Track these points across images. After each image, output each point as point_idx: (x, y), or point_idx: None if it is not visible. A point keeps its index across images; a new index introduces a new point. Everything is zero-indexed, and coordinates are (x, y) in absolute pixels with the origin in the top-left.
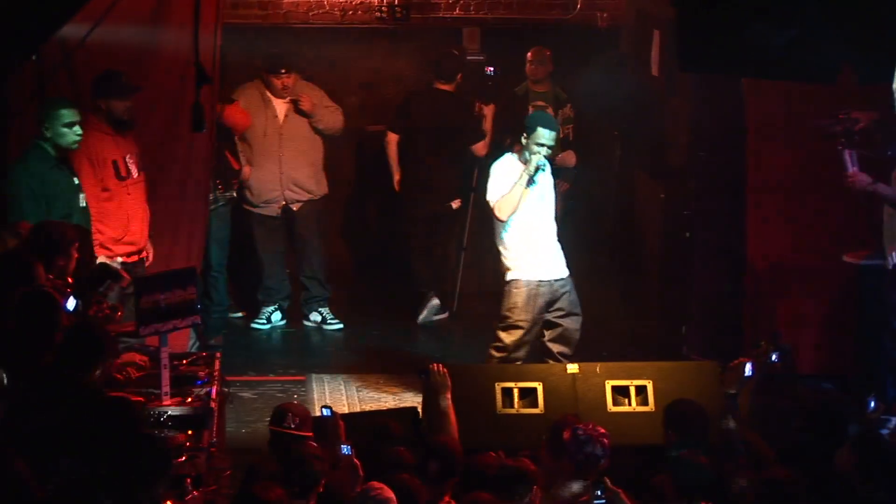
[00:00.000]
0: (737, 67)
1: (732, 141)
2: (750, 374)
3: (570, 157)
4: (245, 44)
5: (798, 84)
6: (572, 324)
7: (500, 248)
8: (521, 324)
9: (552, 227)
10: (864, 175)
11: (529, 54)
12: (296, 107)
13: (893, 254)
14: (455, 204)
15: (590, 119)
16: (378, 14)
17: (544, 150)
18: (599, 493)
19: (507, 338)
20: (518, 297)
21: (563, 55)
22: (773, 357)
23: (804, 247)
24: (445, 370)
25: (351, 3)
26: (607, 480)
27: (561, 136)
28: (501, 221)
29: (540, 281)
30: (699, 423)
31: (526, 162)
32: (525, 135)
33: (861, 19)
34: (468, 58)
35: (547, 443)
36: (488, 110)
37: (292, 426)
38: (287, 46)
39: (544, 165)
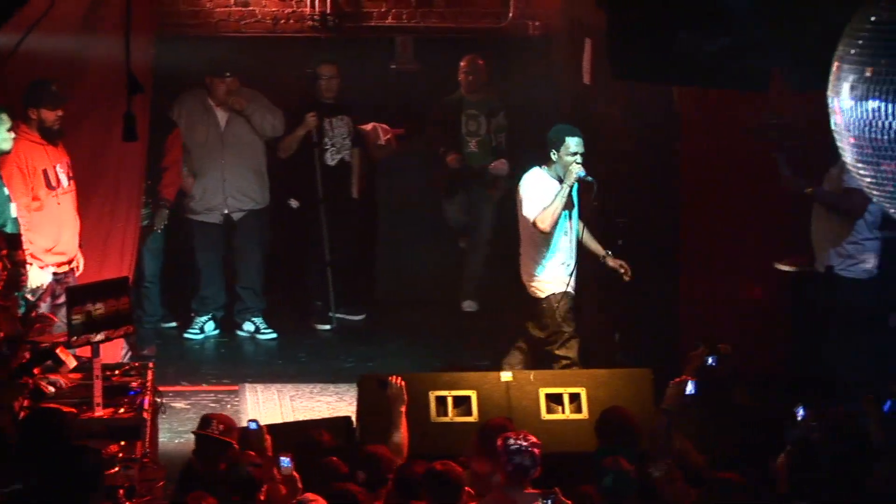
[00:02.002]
0: (668, 75)
1: (664, 148)
2: (692, 391)
3: (503, 166)
4: (177, 53)
5: (730, 92)
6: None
7: (534, 262)
8: (575, 334)
9: (575, 242)
10: (800, 178)
11: (463, 63)
12: (235, 110)
13: (827, 257)
14: (292, 202)
15: (523, 127)
16: (311, 23)
17: (579, 158)
18: (549, 503)
19: (571, 352)
20: (562, 309)
21: (496, 63)
22: (710, 361)
23: (737, 253)
24: (403, 383)
25: (283, 12)
26: (558, 492)
27: (494, 143)
28: (545, 234)
29: (570, 294)
30: (626, 431)
31: (561, 175)
32: (553, 150)
33: (792, 27)
34: (392, 66)
35: (477, 446)
36: (310, 117)
37: (217, 433)
38: (219, 56)
39: (584, 174)
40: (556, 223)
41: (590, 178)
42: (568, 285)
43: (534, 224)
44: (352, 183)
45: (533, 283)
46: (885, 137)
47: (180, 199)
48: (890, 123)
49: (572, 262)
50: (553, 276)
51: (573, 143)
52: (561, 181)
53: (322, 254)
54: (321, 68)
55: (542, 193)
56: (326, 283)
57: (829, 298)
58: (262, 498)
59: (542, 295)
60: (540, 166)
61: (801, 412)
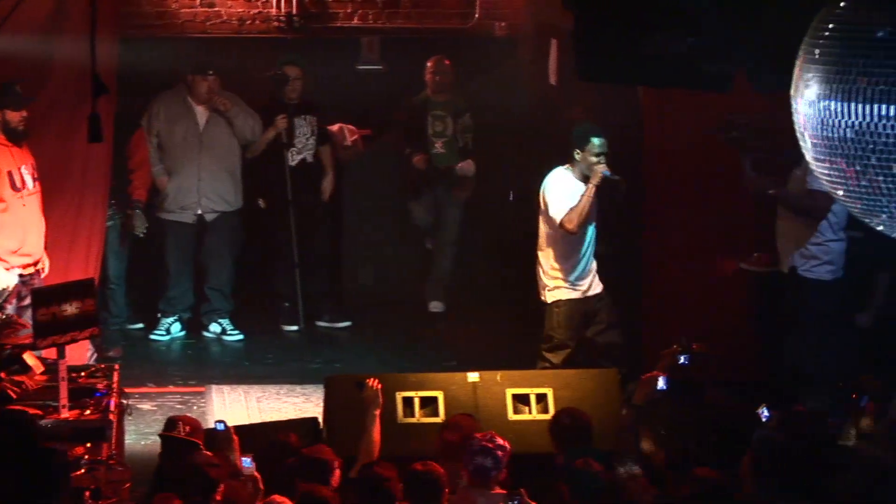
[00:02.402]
0: (634, 76)
1: (630, 148)
2: (664, 387)
3: (469, 166)
4: (142, 54)
5: (695, 92)
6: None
7: (544, 267)
8: (568, 342)
9: (593, 244)
10: (766, 178)
11: (429, 64)
12: (215, 109)
13: (791, 258)
14: (260, 203)
15: (489, 128)
16: (276, 24)
17: (603, 158)
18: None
19: (556, 358)
20: (560, 316)
21: (462, 64)
22: (682, 360)
23: (702, 254)
24: (379, 386)
25: (249, 13)
26: (523, 493)
27: (460, 144)
28: (573, 234)
29: (577, 300)
30: (579, 430)
31: (585, 175)
32: (578, 150)
33: (756, 28)
34: (358, 67)
35: (439, 445)
36: (280, 119)
37: (182, 434)
38: (185, 57)
39: (609, 174)
40: (582, 223)
41: (616, 177)
42: (580, 291)
43: (560, 225)
44: (320, 183)
45: (544, 285)
46: (836, 136)
47: (152, 197)
48: (840, 122)
49: (588, 267)
50: (566, 279)
51: (598, 144)
52: (585, 181)
53: (291, 255)
54: (286, 69)
55: (567, 193)
56: (295, 284)
57: (793, 299)
58: (218, 498)
59: (548, 299)
60: (564, 167)
61: (765, 413)
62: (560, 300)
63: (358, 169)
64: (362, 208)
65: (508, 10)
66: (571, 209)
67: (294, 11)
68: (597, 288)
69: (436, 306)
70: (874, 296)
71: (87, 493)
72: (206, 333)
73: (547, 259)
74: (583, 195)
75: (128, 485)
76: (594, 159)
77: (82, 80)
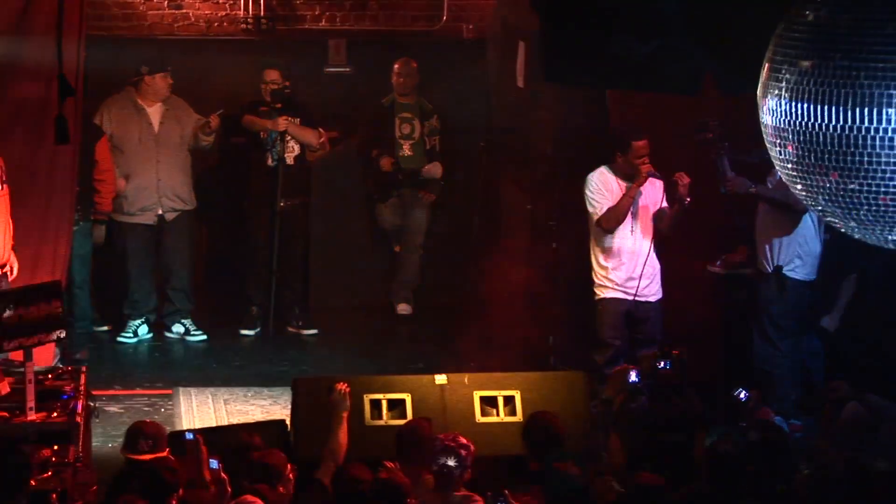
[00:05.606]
0: (600, 79)
1: (596, 152)
2: (635, 380)
3: (436, 169)
4: (109, 55)
5: (661, 95)
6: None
7: (593, 265)
8: (609, 341)
9: (645, 247)
10: (744, 178)
11: (396, 66)
12: (209, 133)
13: (774, 257)
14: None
15: (456, 130)
16: (244, 26)
17: (646, 159)
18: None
19: (598, 356)
20: (603, 315)
21: (429, 67)
22: (663, 364)
23: (668, 256)
24: (347, 390)
25: (216, 14)
26: (507, 494)
27: (427, 147)
28: (609, 233)
29: (621, 300)
30: (552, 434)
31: (627, 175)
32: (619, 152)
33: (722, 30)
34: (325, 69)
35: (397, 450)
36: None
37: (146, 450)
38: (152, 58)
39: (653, 173)
40: (621, 223)
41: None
42: (626, 292)
43: (598, 223)
44: (301, 186)
45: (594, 282)
46: (801, 138)
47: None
48: (806, 124)
49: (634, 266)
50: (612, 279)
51: (640, 145)
52: (628, 180)
53: (269, 259)
54: (265, 73)
55: (607, 192)
56: (270, 289)
57: (770, 298)
58: (173, 503)
59: (595, 297)
60: (605, 166)
61: (743, 393)
62: (605, 298)
63: (325, 171)
64: (329, 210)
65: (476, 13)
66: (611, 208)
67: (261, 13)
68: (651, 296)
69: (403, 309)
70: (840, 299)
71: (54, 496)
72: (168, 334)
73: (595, 258)
74: (623, 196)
75: (94, 487)
76: (637, 161)
77: (49, 82)
